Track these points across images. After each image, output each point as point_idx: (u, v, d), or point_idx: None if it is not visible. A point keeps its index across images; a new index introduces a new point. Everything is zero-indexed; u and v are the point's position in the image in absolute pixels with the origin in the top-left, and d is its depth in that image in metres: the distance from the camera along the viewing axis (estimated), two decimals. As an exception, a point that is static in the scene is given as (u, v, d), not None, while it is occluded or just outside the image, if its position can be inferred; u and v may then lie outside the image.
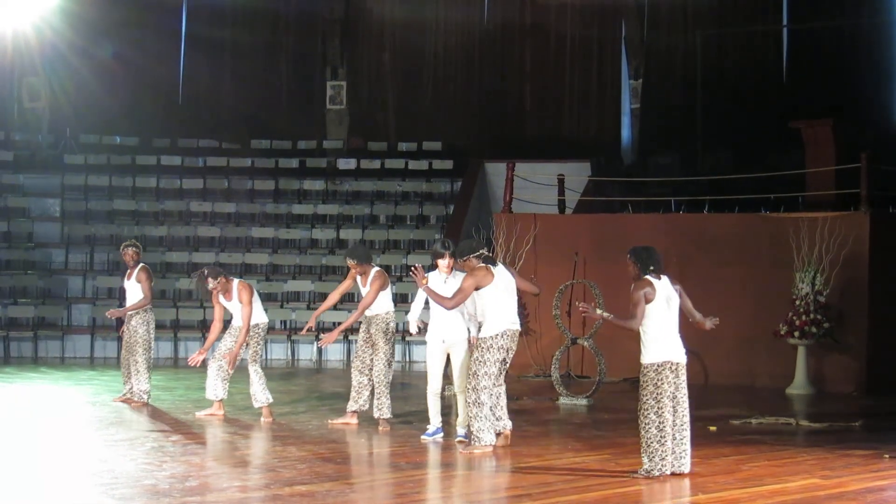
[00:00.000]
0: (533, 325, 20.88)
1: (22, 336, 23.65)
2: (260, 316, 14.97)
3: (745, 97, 27.13)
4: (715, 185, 22.35)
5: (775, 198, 21.12)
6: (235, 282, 14.95)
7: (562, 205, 23.31)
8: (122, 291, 17.03)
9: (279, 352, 24.03)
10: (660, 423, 11.14)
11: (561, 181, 23.32)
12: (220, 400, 15.15)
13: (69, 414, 15.39)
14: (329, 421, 14.71)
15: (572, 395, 17.59)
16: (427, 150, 29.79)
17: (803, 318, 19.01)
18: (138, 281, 16.25)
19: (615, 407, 17.02)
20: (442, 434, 13.46)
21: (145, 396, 16.13)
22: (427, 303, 13.46)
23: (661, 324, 11.28)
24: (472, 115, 30.21)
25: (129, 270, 16.52)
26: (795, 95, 26.34)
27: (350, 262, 14.36)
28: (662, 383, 11.19)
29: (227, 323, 15.22)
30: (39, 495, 10.02)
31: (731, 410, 16.34)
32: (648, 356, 11.27)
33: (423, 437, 13.50)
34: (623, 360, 19.92)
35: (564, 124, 29.79)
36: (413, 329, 14.12)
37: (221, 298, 14.95)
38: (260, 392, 14.79)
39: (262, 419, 14.75)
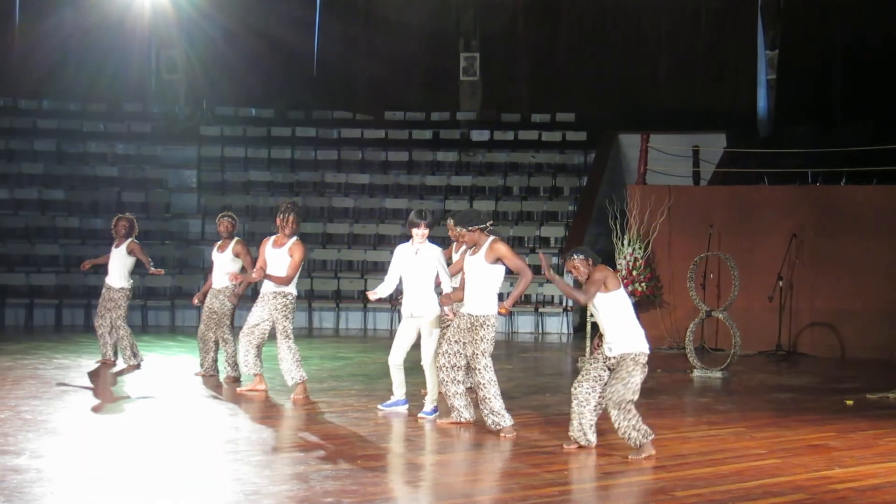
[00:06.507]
0: (667, 298, 20.77)
1: (159, 305, 24.11)
2: (294, 286, 14.08)
3: (885, 66, 26.64)
4: (853, 156, 21.99)
5: (916, 169, 20.78)
6: (293, 239, 13.93)
7: (696, 176, 23.15)
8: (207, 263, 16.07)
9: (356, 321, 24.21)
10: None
11: (696, 152, 23.17)
12: (259, 374, 14.31)
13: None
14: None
15: (707, 367, 17.45)
16: (560, 122, 29.72)
17: (943, 291, 18.70)
18: (235, 254, 15.44)
19: (750, 380, 16.88)
20: (407, 405, 12.80)
21: (229, 369, 15.57)
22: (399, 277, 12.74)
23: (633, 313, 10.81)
24: (606, 87, 30.06)
25: (221, 241, 15.67)
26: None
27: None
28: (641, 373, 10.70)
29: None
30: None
31: (867, 384, 16.10)
32: (641, 345, 10.71)
33: (381, 405, 12.93)
34: (758, 333, 19.83)
35: (699, 95, 29.48)
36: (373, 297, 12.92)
37: (269, 248, 13.94)
38: (295, 369, 13.80)
39: (292, 395, 13.82)
